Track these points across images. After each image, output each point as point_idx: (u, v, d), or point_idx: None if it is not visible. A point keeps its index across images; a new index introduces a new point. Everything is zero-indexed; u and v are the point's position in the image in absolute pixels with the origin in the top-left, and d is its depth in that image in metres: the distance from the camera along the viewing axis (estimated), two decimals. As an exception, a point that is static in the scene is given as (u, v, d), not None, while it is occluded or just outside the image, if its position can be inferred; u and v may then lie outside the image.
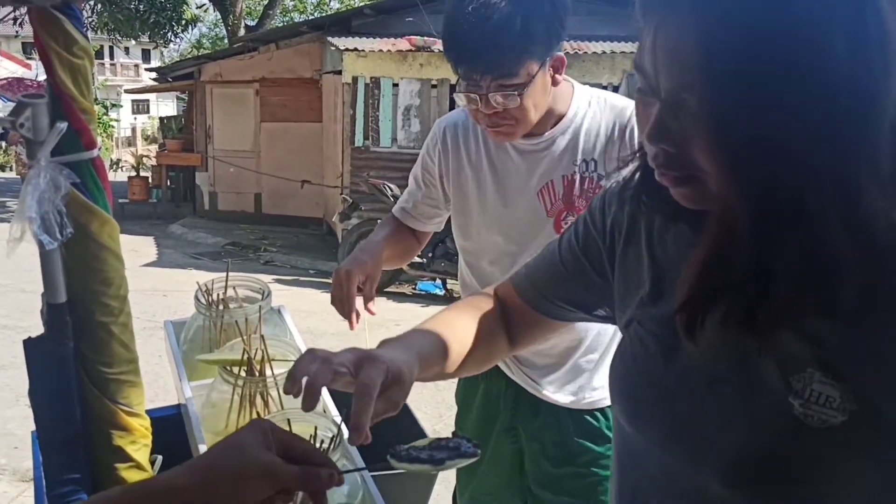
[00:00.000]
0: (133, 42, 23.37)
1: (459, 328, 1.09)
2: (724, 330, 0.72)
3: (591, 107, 1.67)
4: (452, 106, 8.40)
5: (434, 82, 9.18)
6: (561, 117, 1.65)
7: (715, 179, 0.69)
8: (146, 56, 39.45)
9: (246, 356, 1.35)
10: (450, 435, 0.88)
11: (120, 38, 15.81)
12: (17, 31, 11.21)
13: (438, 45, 8.42)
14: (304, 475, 0.77)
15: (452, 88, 7.95)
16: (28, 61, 18.21)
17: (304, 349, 1.57)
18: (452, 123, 1.79)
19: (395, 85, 9.32)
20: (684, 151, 0.71)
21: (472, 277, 1.83)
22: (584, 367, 1.78)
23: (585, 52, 8.97)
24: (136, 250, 9.71)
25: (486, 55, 1.46)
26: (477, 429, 1.88)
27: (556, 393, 1.78)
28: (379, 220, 8.18)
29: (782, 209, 0.66)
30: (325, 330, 6.67)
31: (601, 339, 1.77)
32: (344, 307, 1.61)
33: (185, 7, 15.66)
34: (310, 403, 0.83)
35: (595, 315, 1.09)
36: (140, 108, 36.77)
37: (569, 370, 1.78)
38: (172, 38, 16.66)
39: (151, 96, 34.25)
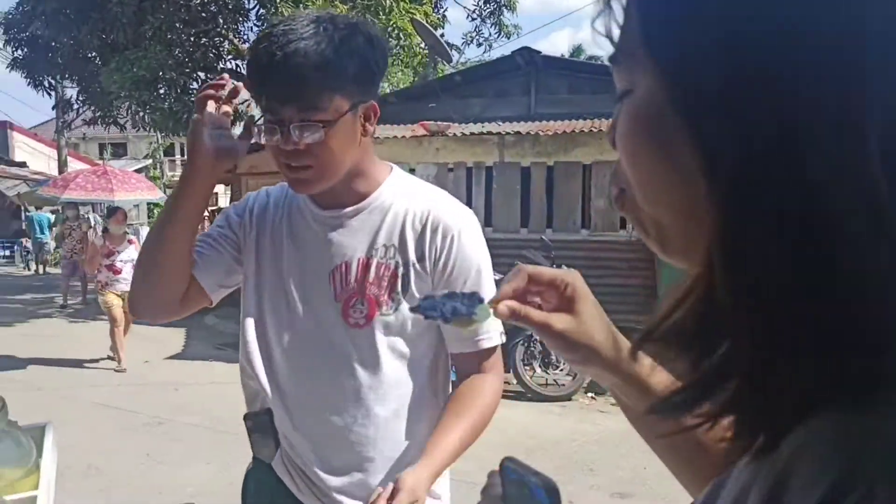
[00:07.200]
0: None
1: None
2: None
3: (404, 191, 1.53)
4: (470, 189, 8.96)
5: (451, 166, 9.18)
6: (367, 195, 1.51)
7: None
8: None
9: None
10: None
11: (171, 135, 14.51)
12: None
13: (453, 130, 9.09)
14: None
15: (469, 171, 8.37)
16: (98, 162, 19.42)
17: None
18: (263, 194, 1.64)
19: (412, 170, 9.01)
20: None
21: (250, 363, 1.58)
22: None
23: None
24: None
25: (288, 81, 1.33)
26: None
27: None
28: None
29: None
30: None
31: None
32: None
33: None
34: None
35: None
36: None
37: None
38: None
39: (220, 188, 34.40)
